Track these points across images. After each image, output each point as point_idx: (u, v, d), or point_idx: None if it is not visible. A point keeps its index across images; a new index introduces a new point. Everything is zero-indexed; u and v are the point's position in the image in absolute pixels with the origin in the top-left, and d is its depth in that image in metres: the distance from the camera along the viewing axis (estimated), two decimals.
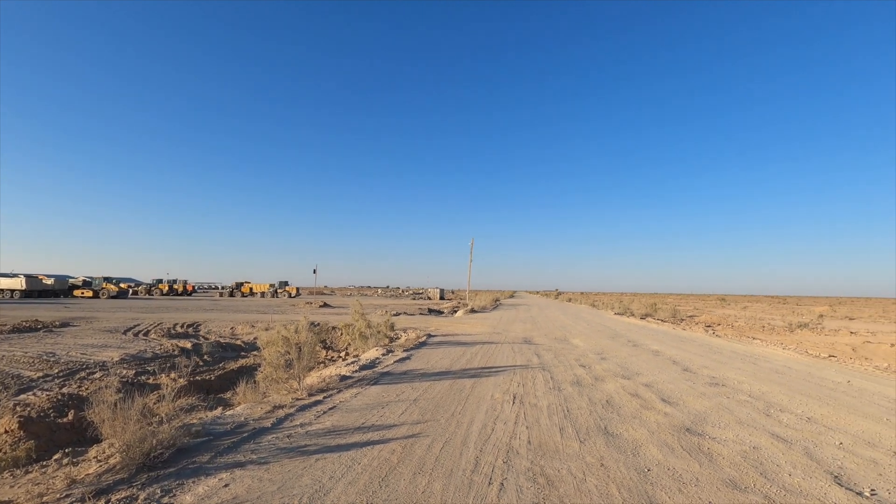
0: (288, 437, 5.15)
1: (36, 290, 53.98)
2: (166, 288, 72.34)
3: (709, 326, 25.33)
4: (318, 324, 19.31)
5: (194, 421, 5.94)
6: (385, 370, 9.58)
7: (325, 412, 6.24)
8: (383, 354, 11.65)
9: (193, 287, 77.00)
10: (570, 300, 72.49)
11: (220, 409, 7.98)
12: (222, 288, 79.17)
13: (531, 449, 4.86)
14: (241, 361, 14.28)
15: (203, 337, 19.37)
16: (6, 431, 7.10)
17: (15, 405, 8.29)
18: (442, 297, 75.06)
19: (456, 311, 35.87)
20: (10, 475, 4.87)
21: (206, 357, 14.83)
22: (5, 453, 5.28)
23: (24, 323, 21.05)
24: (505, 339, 16.08)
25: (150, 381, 11.25)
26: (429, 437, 5.17)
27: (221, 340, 18.16)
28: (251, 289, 72.21)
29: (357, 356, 12.43)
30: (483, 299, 51.93)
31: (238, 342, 18.03)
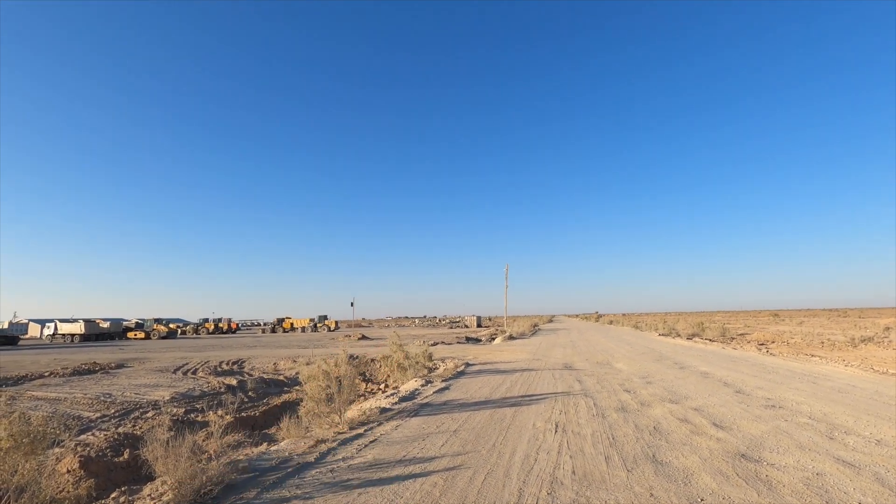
0: (331, 471, 5.21)
1: (94, 334, 56.98)
2: (212, 327, 74.92)
3: (761, 345, 24.05)
4: (357, 356, 19.52)
5: (241, 457, 6.09)
6: (424, 401, 9.55)
7: (366, 445, 6.28)
8: (422, 385, 11.63)
9: (237, 325, 79.47)
10: (611, 322, 70.40)
11: (265, 444, 8.14)
12: (264, 324, 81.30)
13: (576, 479, 4.72)
14: (285, 396, 14.53)
15: (247, 373, 19.87)
16: (68, 471, 7.46)
17: (76, 445, 8.71)
18: (479, 325, 74.41)
19: (494, 339, 35.46)
20: None
21: (250, 393, 15.19)
22: (68, 492, 5.55)
23: (83, 365, 22.24)
24: (545, 365, 15.76)
25: (199, 418, 11.60)
26: (470, 469, 5.11)
27: (265, 376, 18.57)
28: (292, 324, 73.75)
29: (396, 388, 12.45)
30: (521, 325, 51.20)
31: (281, 377, 18.40)
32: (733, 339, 28.96)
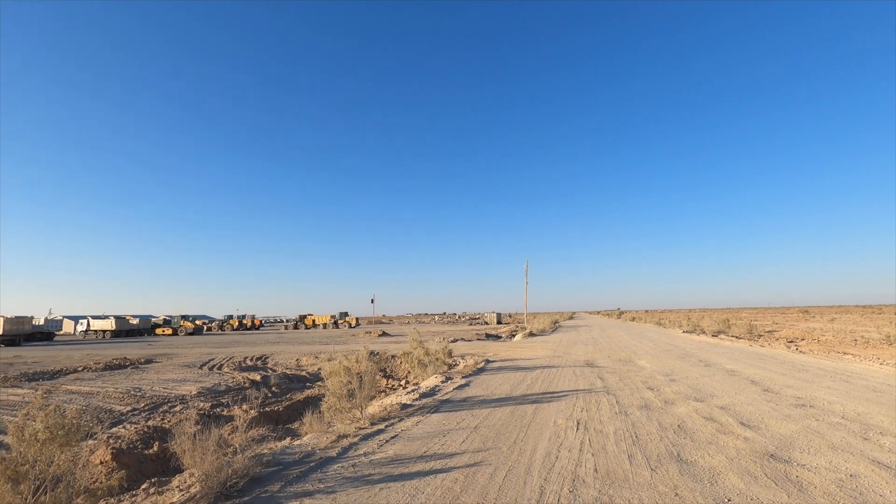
0: (353, 466, 5.26)
1: (124, 330, 58.75)
2: (236, 323, 76.50)
3: (791, 342, 23.38)
4: (378, 353, 19.66)
5: (265, 451, 6.20)
6: (445, 398, 9.57)
7: (387, 441, 6.32)
8: (442, 382, 11.66)
9: (261, 321, 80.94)
10: (633, 319, 69.38)
11: (288, 439, 8.27)
12: (287, 321, 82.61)
13: (598, 477, 4.67)
14: (307, 392, 14.75)
15: (271, 369, 20.22)
16: (101, 462, 7.72)
17: (108, 437, 9.00)
18: (499, 322, 74.25)
19: (514, 336, 35.33)
20: (105, 503, 5.28)
21: (274, 388, 15.46)
22: (101, 483, 5.73)
23: (114, 361, 22.96)
24: (566, 362, 15.63)
25: (225, 413, 11.85)
26: (491, 466, 5.10)
27: (288, 372, 18.88)
28: (314, 321, 74.75)
29: (417, 384, 12.51)
30: (541, 322, 50.87)
31: (303, 373, 18.68)
32: (761, 336, 28.21)
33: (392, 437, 6.50)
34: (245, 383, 16.07)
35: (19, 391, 14.65)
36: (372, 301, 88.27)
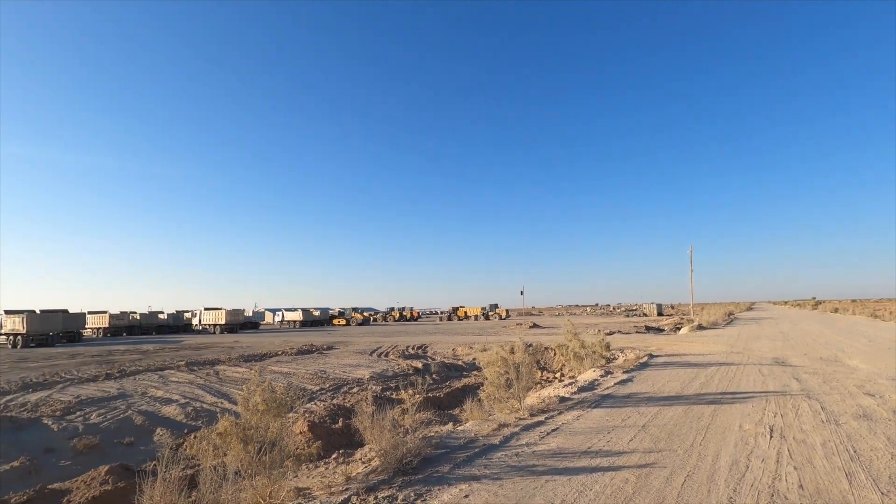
0: (516, 455, 5.31)
1: (308, 321, 68.59)
2: (398, 315, 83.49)
3: None
4: (531, 344, 19.62)
5: (432, 434, 6.62)
6: (606, 392, 9.11)
7: (548, 433, 6.24)
8: (601, 376, 11.12)
9: (418, 313, 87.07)
10: (836, 311, 57.47)
11: (451, 424, 8.73)
12: (441, 313, 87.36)
13: (805, 495, 3.96)
14: (464, 380, 15.40)
15: (430, 357, 21.60)
16: (300, 432, 9.07)
17: (304, 412, 10.57)
18: (660, 313, 68.22)
19: (679, 328, 32.12)
20: (305, 468, 6.19)
21: (434, 376, 16.47)
22: (303, 450, 6.74)
23: (304, 347, 26.91)
24: (747, 359, 13.65)
25: (393, 396, 13.01)
26: (666, 469, 4.69)
27: (445, 361, 19.97)
28: (465, 312, 77.79)
29: (573, 377, 12.15)
30: (713, 313, 45.32)
31: (460, 362, 19.56)
32: None
33: (553, 430, 6.40)
34: (409, 370, 17.43)
35: (239, 369, 18.04)
36: (521, 293, 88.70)
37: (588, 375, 11.42)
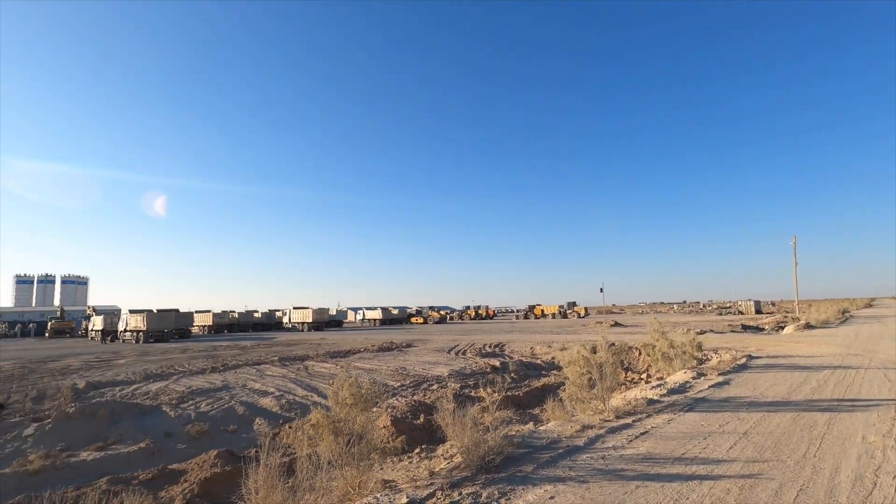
0: (602, 458, 5.11)
1: (388, 319, 70.96)
2: (473, 313, 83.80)
3: None
4: (614, 343, 18.83)
5: (513, 433, 6.56)
6: (699, 396, 8.50)
7: (636, 437, 5.94)
8: (693, 378, 10.40)
9: (494, 311, 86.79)
10: None
11: (531, 423, 8.60)
12: (517, 311, 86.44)
13: None
14: (543, 380, 15.10)
15: (508, 356, 21.44)
16: (384, 427, 9.39)
17: (387, 407, 10.93)
18: (758, 311, 62.41)
19: (782, 327, 29.20)
20: (390, 461, 6.40)
21: (512, 375, 16.31)
22: (387, 444, 6.97)
23: (384, 344, 27.87)
24: (869, 362, 12.09)
25: (472, 394, 13.06)
26: (774, 481, 4.27)
27: (523, 359, 19.71)
28: (542, 311, 76.28)
29: (661, 378, 11.47)
30: (823, 311, 40.63)
31: (538, 361, 19.22)
32: None
33: (642, 434, 6.08)
34: (486, 368, 17.41)
35: (326, 365, 19.06)
36: (601, 290, 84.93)
37: (678, 377, 10.73)
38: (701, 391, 8.91)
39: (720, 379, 10.14)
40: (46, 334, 61.84)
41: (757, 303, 65.91)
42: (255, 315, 68.01)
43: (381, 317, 71.19)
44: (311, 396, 12.93)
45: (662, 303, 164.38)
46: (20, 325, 70.77)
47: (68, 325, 63.24)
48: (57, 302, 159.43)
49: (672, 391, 9.05)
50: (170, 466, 7.52)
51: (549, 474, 4.64)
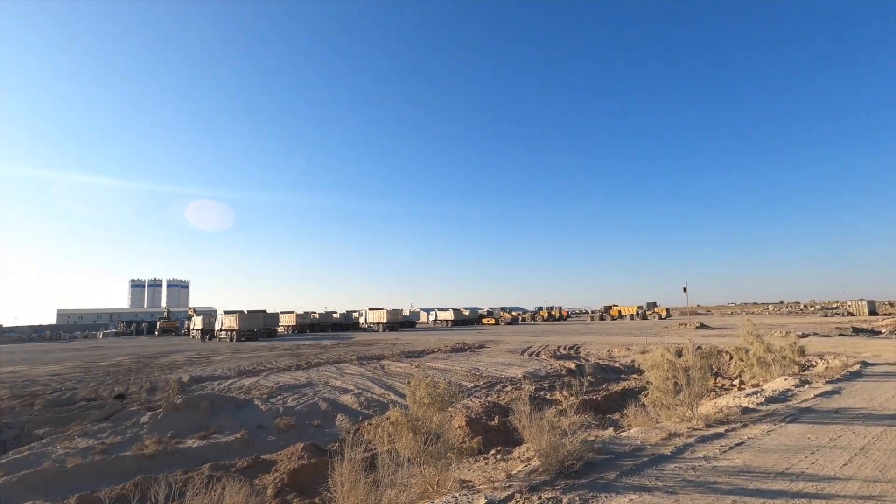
0: (692, 469, 4.78)
1: (459, 320, 71.48)
2: (546, 314, 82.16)
3: None
4: (701, 347, 17.61)
5: (593, 438, 6.33)
6: (803, 405, 7.71)
7: (730, 448, 5.50)
8: (795, 385, 9.45)
9: (567, 312, 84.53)
10: None
11: (611, 429, 8.23)
12: (592, 312, 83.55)
13: None
14: (623, 384, 14.46)
15: (584, 358, 20.77)
16: (459, 427, 9.44)
17: (461, 407, 10.99)
18: (872, 312, 55.40)
19: None
20: (465, 461, 6.41)
21: (589, 378, 15.77)
22: (463, 444, 7.01)
23: (457, 345, 28.08)
24: None
25: (547, 396, 12.79)
26: None
27: (600, 362, 19.00)
28: (619, 311, 73.12)
29: (757, 385, 10.54)
30: None
31: (616, 364, 18.43)
32: None
33: (737, 444, 5.62)
34: (561, 370, 16.98)
35: (401, 364, 19.55)
36: (684, 289, 79.93)
37: (777, 384, 9.80)
38: (805, 400, 8.07)
39: (828, 387, 9.13)
40: (156, 332, 69.44)
41: (871, 303, 58.54)
42: (334, 316, 71.48)
43: (452, 318, 71.88)
44: (388, 395, 13.32)
45: (755, 303, 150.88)
46: (135, 325, 79.78)
47: (174, 325, 70.49)
48: (164, 303, 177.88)
49: (770, 399, 8.28)
50: (262, 457, 8.07)
51: (633, 483, 4.42)
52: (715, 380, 13.53)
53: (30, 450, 8.90)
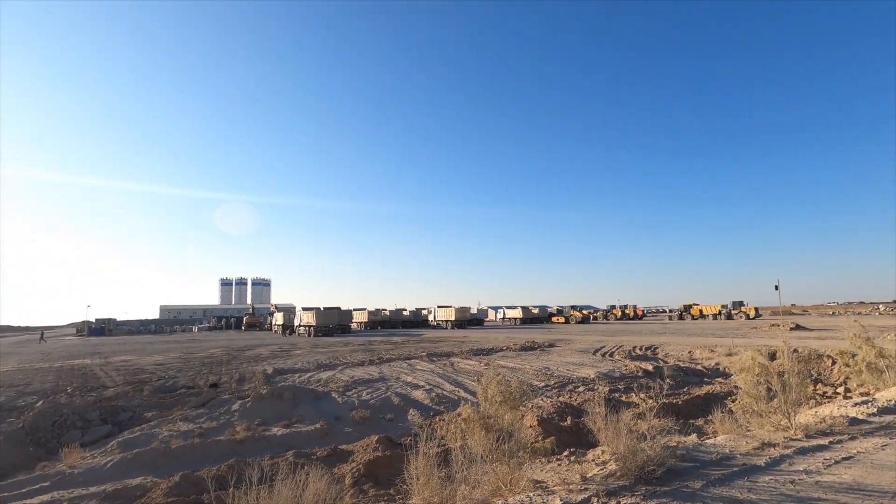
0: (791, 483, 4.38)
1: (528, 318, 70.62)
2: (619, 313, 78.96)
3: None
4: (797, 350, 16.09)
5: (674, 444, 5.99)
6: None
7: (837, 461, 4.97)
8: None
9: (643, 311, 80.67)
10: None
11: (694, 435, 7.74)
12: (670, 311, 79.07)
13: None
14: (706, 388, 13.56)
15: (661, 360, 19.72)
16: (531, 426, 9.31)
17: (532, 406, 10.84)
18: None
19: None
20: (538, 461, 6.31)
21: (668, 380, 14.94)
22: (535, 443, 6.91)
23: (526, 343, 27.73)
24: None
25: (623, 398, 12.28)
26: None
27: (680, 364, 17.93)
28: (700, 311, 68.54)
29: (867, 394, 9.46)
30: None
31: (698, 367, 17.32)
32: None
33: (844, 459, 5.07)
34: (637, 372, 16.22)
35: (470, 362, 19.65)
36: (776, 287, 73.04)
37: (892, 394, 8.72)
38: None
39: None
40: (242, 327, 75.09)
41: None
42: (404, 313, 73.35)
43: (521, 316, 71.12)
44: (458, 392, 13.44)
45: (861, 302, 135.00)
46: (224, 320, 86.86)
47: (258, 320, 75.78)
48: (249, 300, 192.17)
49: (884, 410, 7.39)
50: (340, 447, 8.46)
51: (722, 494, 4.13)
52: (815, 387, 12.30)
53: (141, 430, 9.98)
